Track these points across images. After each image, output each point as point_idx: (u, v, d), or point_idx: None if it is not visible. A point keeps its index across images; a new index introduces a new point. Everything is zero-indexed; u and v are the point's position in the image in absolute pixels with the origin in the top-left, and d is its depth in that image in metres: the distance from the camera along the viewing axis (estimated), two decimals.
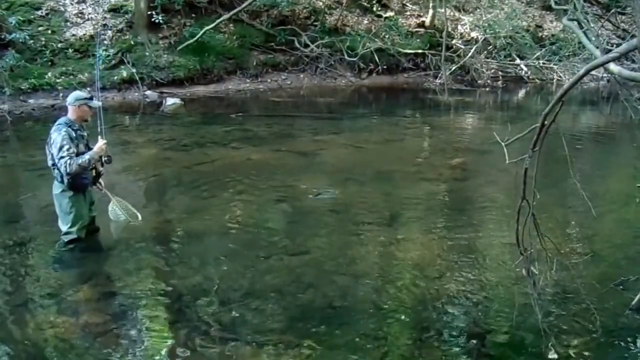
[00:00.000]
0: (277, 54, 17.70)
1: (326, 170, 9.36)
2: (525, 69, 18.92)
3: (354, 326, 4.94)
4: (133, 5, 16.31)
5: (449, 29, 18.48)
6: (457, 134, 12.77)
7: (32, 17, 15.41)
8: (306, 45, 17.67)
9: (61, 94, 13.89)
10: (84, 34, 15.42)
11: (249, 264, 6.02)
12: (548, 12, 21.64)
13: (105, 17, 16.36)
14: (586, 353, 4.58)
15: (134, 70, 15.14)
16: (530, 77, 18.83)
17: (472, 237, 6.80)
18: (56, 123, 5.97)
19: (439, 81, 17.69)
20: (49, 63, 14.68)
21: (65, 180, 5.88)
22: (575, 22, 6.50)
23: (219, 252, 6.34)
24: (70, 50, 15.05)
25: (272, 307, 5.21)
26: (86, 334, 4.80)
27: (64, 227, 6.11)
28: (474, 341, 4.81)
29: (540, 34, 20.66)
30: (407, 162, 9.97)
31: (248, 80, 17.02)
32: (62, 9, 16.07)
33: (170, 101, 14.45)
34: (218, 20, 16.01)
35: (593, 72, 5.09)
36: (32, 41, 14.68)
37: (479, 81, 18.22)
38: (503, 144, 4.16)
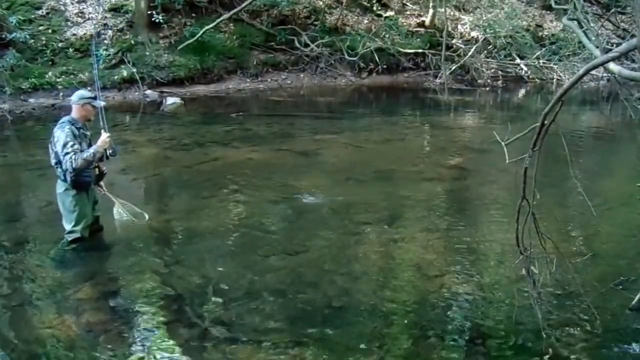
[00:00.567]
0: (277, 54, 17.71)
1: (326, 170, 9.36)
2: (525, 68, 18.93)
3: (353, 326, 4.94)
4: (133, 4, 16.32)
5: (449, 29, 18.48)
6: (457, 133, 12.77)
7: (33, 16, 15.43)
8: (306, 45, 17.68)
9: (61, 94, 13.92)
10: (84, 34, 15.43)
11: (249, 264, 6.02)
12: (548, 12, 21.64)
13: (105, 17, 16.36)
14: (586, 353, 4.58)
15: (134, 70, 15.15)
16: (530, 76, 18.84)
17: (472, 237, 6.81)
18: (59, 122, 5.96)
19: (439, 81, 17.69)
20: (50, 62, 14.70)
21: (69, 178, 5.87)
22: (575, 22, 6.50)
23: (219, 251, 6.34)
24: (70, 50, 15.07)
25: (271, 307, 5.21)
26: (87, 333, 4.80)
27: (67, 226, 6.10)
28: (474, 341, 4.81)
29: (540, 34, 20.66)
30: (407, 161, 9.97)
31: (248, 80, 17.02)
32: (62, 8, 16.08)
33: (170, 101, 14.46)
34: (218, 20, 16.01)
35: (593, 72, 5.09)
36: (32, 41, 14.70)
37: (479, 81, 18.23)
38: (503, 143, 4.16)
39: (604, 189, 8.65)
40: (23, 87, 13.77)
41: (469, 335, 4.88)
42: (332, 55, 17.97)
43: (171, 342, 4.77)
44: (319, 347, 4.61)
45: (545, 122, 3.89)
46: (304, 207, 7.67)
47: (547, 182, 7.41)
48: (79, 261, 6.12)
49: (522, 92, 18.21)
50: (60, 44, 15.14)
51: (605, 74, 15.88)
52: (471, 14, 20.40)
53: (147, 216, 6.71)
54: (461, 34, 19.50)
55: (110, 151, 6.07)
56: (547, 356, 4.49)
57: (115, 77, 14.99)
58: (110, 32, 16.01)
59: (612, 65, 4.24)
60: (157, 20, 15.76)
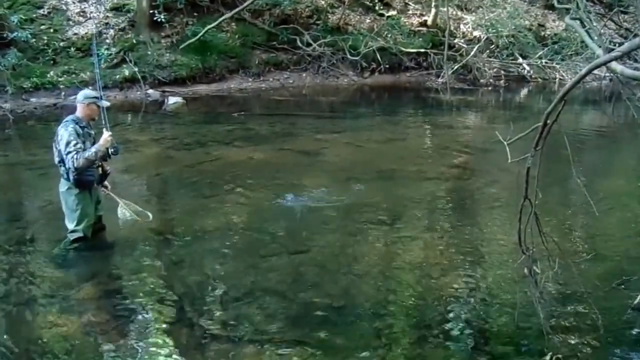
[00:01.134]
0: (280, 53, 17.70)
1: (328, 170, 9.36)
2: (527, 68, 18.90)
3: (355, 326, 4.93)
4: (135, 4, 16.33)
5: (451, 28, 18.46)
6: (459, 133, 12.76)
7: (34, 15, 15.44)
8: (308, 44, 17.66)
9: (63, 93, 13.94)
10: (86, 33, 15.43)
11: (251, 263, 6.02)
12: (550, 11, 21.59)
13: (107, 16, 16.37)
14: (588, 352, 4.57)
15: (136, 69, 15.15)
16: (533, 76, 18.81)
17: (474, 237, 6.80)
18: (63, 120, 5.97)
19: (441, 80, 17.65)
20: (51, 62, 14.71)
21: (72, 177, 5.87)
22: (578, 21, 6.47)
23: (220, 251, 6.34)
24: (72, 49, 15.07)
25: (273, 306, 5.21)
26: (89, 333, 4.81)
27: (70, 225, 6.09)
28: (476, 341, 4.81)
29: (542, 33, 20.61)
30: (409, 161, 9.96)
31: (250, 79, 17.01)
32: (64, 7, 16.09)
33: (172, 100, 14.46)
34: (220, 19, 16.00)
35: (595, 71, 5.06)
36: (34, 40, 14.71)
37: (481, 80, 18.19)
38: (505, 143, 4.15)
39: (606, 189, 8.63)
40: (24, 86, 13.77)
41: (471, 335, 4.87)
42: (335, 54, 17.94)
43: (173, 342, 4.77)
44: (320, 348, 4.60)
45: (548, 121, 3.87)
46: (306, 207, 7.65)
47: (549, 182, 7.40)
48: (81, 261, 6.12)
49: (524, 91, 18.18)
50: (61, 43, 15.15)
51: (607, 74, 15.83)
52: (473, 14, 20.36)
53: (150, 216, 6.71)
54: (463, 33, 19.46)
55: (112, 150, 6.06)
56: (549, 356, 4.48)
57: (117, 76, 14.99)
58: (112, 32, 16.01)
59: (614, 65, 4.22)
60: (158, 20, 15.77)
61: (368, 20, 19.46)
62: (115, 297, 5.45)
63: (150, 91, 15.12)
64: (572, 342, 4.70)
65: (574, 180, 6.34)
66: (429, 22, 19.64)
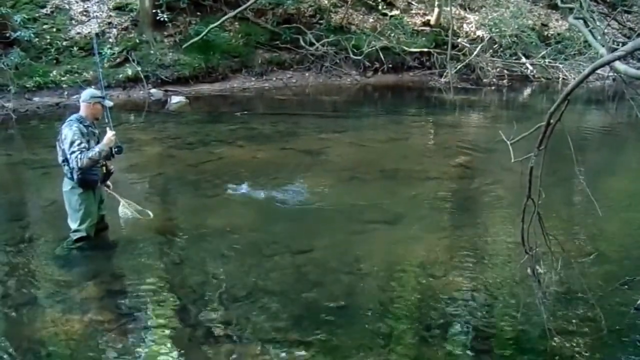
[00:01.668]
0: (282, 53, 17.70)
1: (331, 169, 9.35)
2: (530, 67, 18.87)
3: (358, 325, 4.93)
4: (138, 3, 16.35)
5: (455, 28, 18.42)
6: (463, 132, 12.75)
7: (37, 15, 15.48)
8: (311, 44, 17.66)
9: (66, 92, 13.98)
10: (88, 32, 15.44)
11: (254, 262, 6.01)
12: (554, 11, 21.58)
13: (110, 15, 16.40)
14: (591, 352, 4.56)
15: (139, 69, 15.18)
16: (536, 75, 18.77)
17: (477, 236, 6.80)
18: (67, 119, 5.97)
19: (445, 80, 17.63)
20: (54, 61, 14.74)
21: (75, 176, 5.87)
22: (581, 21, 6.46)
23: (223, 250, 6.34)
24: (75, 49, 15.11)
25: (276, 306, 5.21)
26: (91, 332, 4.81)
27: (73, 225, 6.10)
28: (479, 340, 4.80)
29: (545, 33, 20.59)
30: (412, 160, 9.95)
31: (253, 79, 17.02)
32: (67, 7, 16.13)
33: (175, 99, 14.48)
34: (223, 18, 15.84)
35: (599, 71, 5.06)
36: (37, 39, 14.74)
37: (485, 80, 18.16)
38: (508, 142, 4.14)
39: (609, 189, 8.61)
40: (27, 85, 13.80)
41: (474, 334, 4.87)
42: (338, 54, 17.94)
43: (175, 341, 4.78)
44: (323, 347, 4.60)
45: (551, 121, 3.86)
46: (309, 206, 7.65)
47: (552, 182, 7.38)
48: (84, 260, 6.13)
49: (527, 91, 18.14)
50: (64, 43, 15.18)
51: (611, 73, 15.85)
52: (477, 13, 20.35)
53: (151, 214, 6.72)
54: (467, 33, 19.44)
55: (116, 149, 6.07)
56: (552, 356, 4.47)
57: (120, 75, 15.02)
58: (114, 31, 16.03)
59: (618, 64, 4.20)
60: (161, 19, 15.79)
61: (371, 20, 19.46)
62: (118, 296, 5.45)
63: (153, 90, 15.15)
64: (575, 342, 4.69)
65: (577, 180, 6.32)
66: (432, 22, 19.63)
